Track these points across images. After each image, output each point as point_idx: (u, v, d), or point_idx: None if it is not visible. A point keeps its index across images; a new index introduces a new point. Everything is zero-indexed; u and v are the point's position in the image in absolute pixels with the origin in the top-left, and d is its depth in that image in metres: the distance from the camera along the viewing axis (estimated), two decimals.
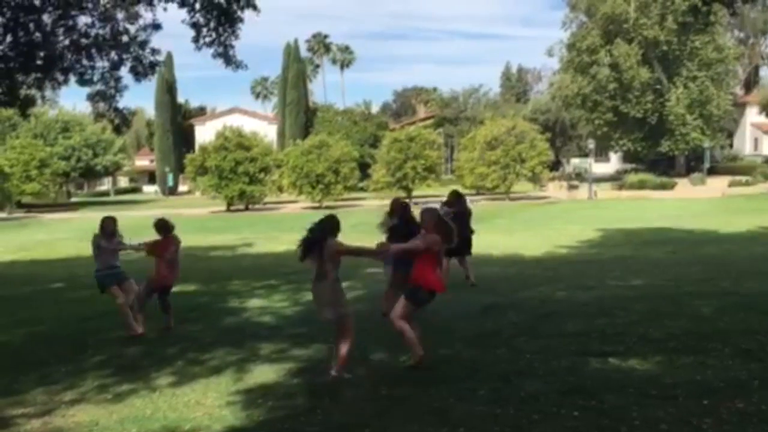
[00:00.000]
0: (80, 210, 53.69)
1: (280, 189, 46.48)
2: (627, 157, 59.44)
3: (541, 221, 27.14)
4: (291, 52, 72.33)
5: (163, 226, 8.70)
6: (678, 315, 8.28)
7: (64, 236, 30.14)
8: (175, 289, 11.89)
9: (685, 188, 43.86)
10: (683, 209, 28.89)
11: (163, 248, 8.63)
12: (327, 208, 43.68)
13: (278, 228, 30.00)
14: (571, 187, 46.60)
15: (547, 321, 8.24)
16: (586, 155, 54.16)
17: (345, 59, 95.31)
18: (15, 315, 10.60)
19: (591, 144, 47.83)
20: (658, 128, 50.21)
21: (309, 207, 44.72)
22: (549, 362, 6.38)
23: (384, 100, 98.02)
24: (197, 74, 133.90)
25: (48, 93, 11.29)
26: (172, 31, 11.73)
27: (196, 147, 54.22)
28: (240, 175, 44.30)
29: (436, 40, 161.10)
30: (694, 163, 53.39)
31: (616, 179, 50.98)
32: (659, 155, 52.63)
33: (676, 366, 6.17)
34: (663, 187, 43.83)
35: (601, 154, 60.59)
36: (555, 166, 55.27)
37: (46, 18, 10.23)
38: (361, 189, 49.31)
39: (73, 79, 10.48)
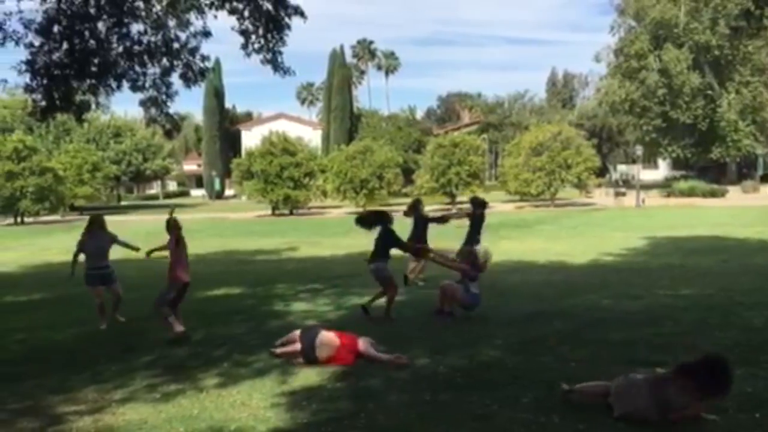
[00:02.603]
0: (130, 213, 54.91)
1: (324, 194, 46.85)
2: (676, 164, 58.31)
3: (586, 228, 26.79)
4: (336, 58, 72.95)
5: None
6: (728, 326, 8.09)
7: None
8: (220, 292, 12.13)
9: (736, 196, 42.81)
10: (734, 217, 28.19)
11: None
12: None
13: (322, 233, 30.22)
14: (618, 194, 45.87)
15: (592, 329, 8.13)
16: (633, 162, 53.29)
17: (390, 65, 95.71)
18: (68, 315, 10.90)
19: (639, 150, 47.07)
20: (708, 134, 49.15)
21: (353, 212, 44.91)
22: (595, 371, 6.28)
23: (428, 105, 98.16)
24: (244, 80, 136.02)
25: (102, 99, 11.50)
26: (220, 38, 11.95)
27: (243, 152, 55.05)
28: (285, 179, 44.81)
29: (482, 46, 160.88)
30: (746, 170, 52.09)
31: (664, 186, 50.01)
32: (710, 162, 51.49)
33: None
34: (713, 194, 42.87)
35: (649, 160, 59.52)
36: (601, 172, 54.49)
37: (101, 26, 10.49)
38: (405, 194, 49.33)
39: (126, 85, 10.74)
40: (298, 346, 7.03)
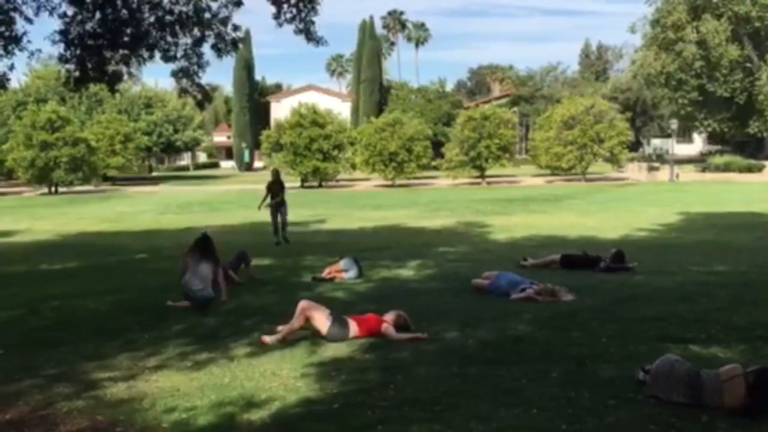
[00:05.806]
0: (161, 183, 55.53)
1: (353, 166, 46.83)
2: (712, 139, 57.15)
3: (618, 203, 26.47)
4: (366, 30, 72.46)
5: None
6: (764, 302, 7.96)
7: (146, 209, 31.27)
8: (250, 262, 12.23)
9: None
10: None
11: None
12: (400, 186, 43.75)
13: (351, 205, 30.25)
14: (652, 169, 45.18)
15: (624, 305, 8.05)
16: (668, 136, 52.35)
17: (420, 36, 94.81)
18: (102, 283, 11.08)
19: (674, 124, 46.21)
20: (746, 108, 47.95)
21: (381, 185, 44.91)
22: (626, 347, 6.24)
23: (458, 78, 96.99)
24: (273, 51, 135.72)
25: (134, 69, 11.56)
26: (248, 8, 11.87)
27: (272, 124, 55.16)
28: (314, 152, 44.84)
29: (514, 17, 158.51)
30: None
31: (699, 161, 49.12)
32: (747, 136, 50.35)
33: (761, 355, 5.93)
34: (750, 170, 42.02)
35: (684, 134, 58.42)
36: (635, 146, 53.63)
37: None
38: (434, 168, 49.13)
39: (158, 55, 10.76)
40: (297, 322, 6.87)
